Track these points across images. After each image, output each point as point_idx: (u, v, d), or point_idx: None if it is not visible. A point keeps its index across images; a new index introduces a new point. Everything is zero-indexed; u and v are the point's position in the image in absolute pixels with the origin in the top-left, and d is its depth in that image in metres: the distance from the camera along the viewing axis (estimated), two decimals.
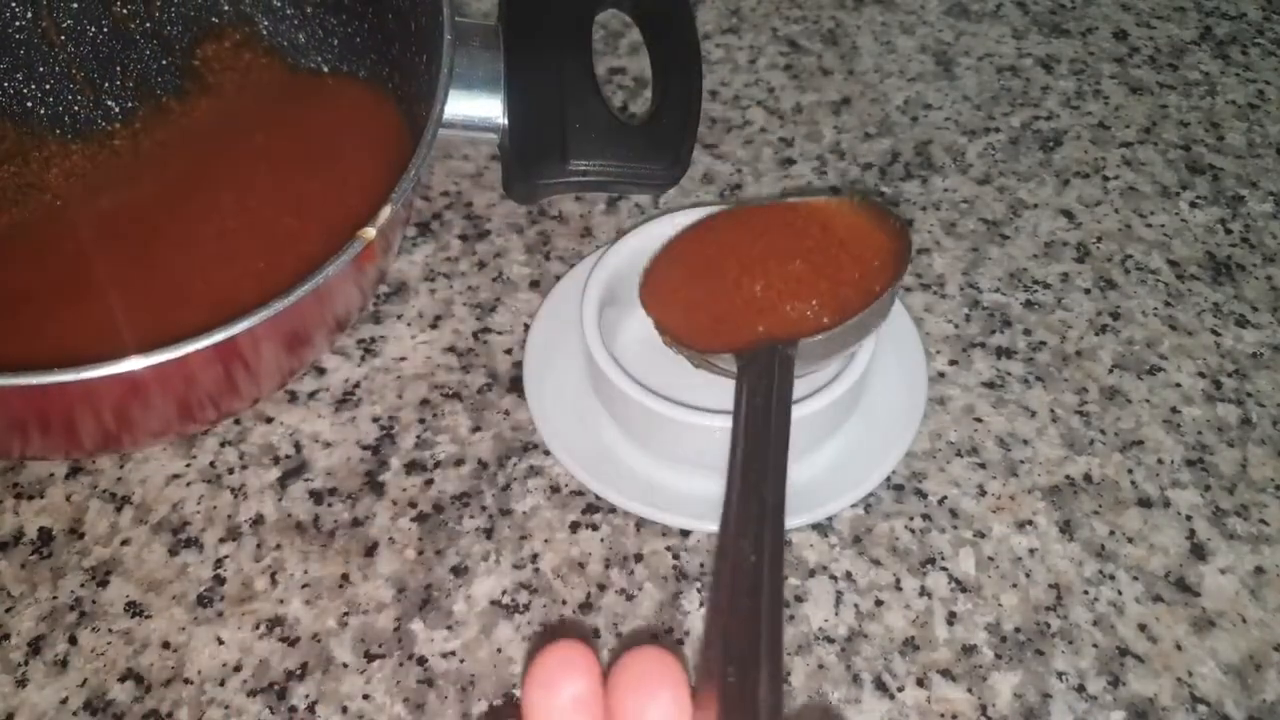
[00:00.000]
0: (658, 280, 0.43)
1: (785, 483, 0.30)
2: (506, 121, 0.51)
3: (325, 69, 0.53)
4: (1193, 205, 0.54)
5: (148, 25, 0.52)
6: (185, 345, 0.36)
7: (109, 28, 0.51)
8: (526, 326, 0.48)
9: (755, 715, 0.22)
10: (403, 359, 0.48)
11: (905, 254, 0.40)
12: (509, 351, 0.48)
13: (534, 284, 0.50)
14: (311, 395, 0.47)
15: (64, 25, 0.50)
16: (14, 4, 0.50)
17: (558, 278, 0.49)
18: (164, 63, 0.52)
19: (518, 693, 0.39)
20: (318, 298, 0.38)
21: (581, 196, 0.54)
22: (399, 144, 0.47)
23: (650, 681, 0.22)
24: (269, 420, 0.46)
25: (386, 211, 0.40)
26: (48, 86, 0.50)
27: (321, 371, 0.47)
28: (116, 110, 0.51)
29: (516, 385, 0.47)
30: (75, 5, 0.50)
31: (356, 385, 0.47)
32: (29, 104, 0.50)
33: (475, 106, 0.50)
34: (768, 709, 0.22)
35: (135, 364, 0.35)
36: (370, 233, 0.39)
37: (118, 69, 0.51)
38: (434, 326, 0.49)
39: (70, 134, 0.51)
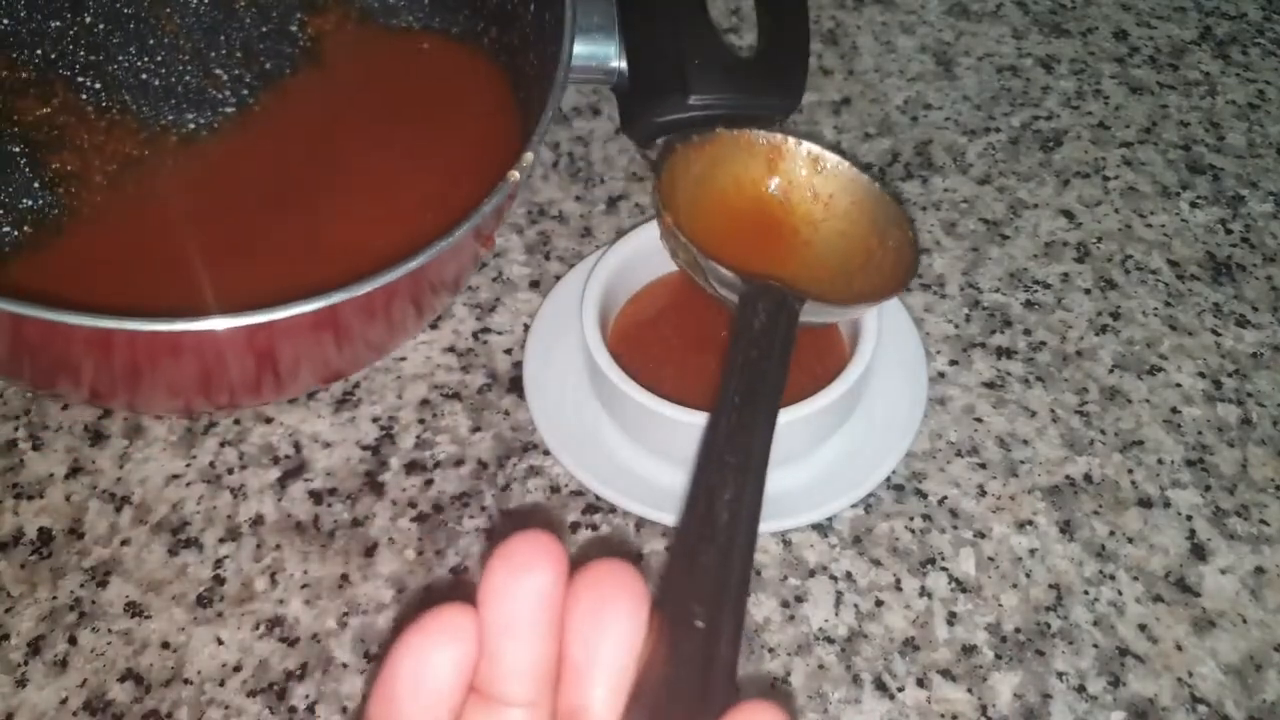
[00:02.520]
0: (681, 194, 0.43)
1: (771, 438, 0.28)
2: (622, 64, 0.52)
3: (416, 27, 0.55)
4: (1193, 205, 0.54)
5: None
6: (368, 282, 0.37)
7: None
8: (526, 326, 0.48)
9: (713, 664, 0.21)
10: (402, 359, 0.48)
11: (914, 260, 0.42)
12: (509, 351, 0.48)
13: (534, 284, 0.50)
14: (311, 395, 0.47)
15: None
16: None
17: (558, 278, 0.49)
18: (263, 30, 0.54)
19: None
20: (456, 250, 0.39)
21: (582, 196, 0.54)
22: (496, 99, 0.48)
23: (611, 594, 0.21)
24: (268, 420, 0.46)
25: (529, 156, 0.41)
26: (159, 58, 0.52)
27: None
28: (225, 79, 0.53)
29: (516, 385, 0.47)
30: None
31: (356, 385, 0.47)
32: (143, 75, 0.52)
33: (592, 51, 0.52)
34: (724, 662, 0.21)
35: (312, 306, 0.37)
36: (515, 175, 0.41)
37: (222, 38, 0.53)
38: (434, 326, 0.49)
39: (184, 103, 0.52)
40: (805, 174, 0.44)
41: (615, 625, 0.21)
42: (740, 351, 0.33)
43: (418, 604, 0.41)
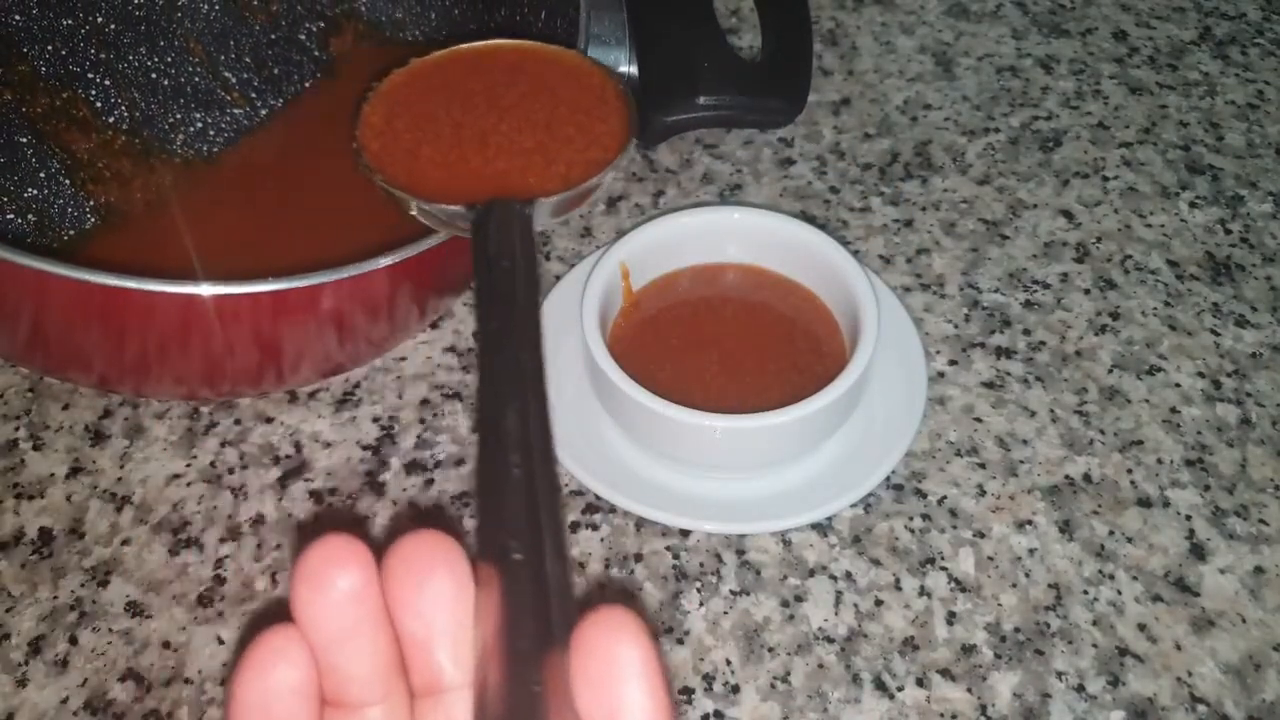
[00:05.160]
0: (376, 124, 0.40)
1: (542, 348, 0.28)
2: (632, 69, 0.54)
3: (423, 41, 0.56)
4: (1192, 205, 0.54)
5: (254, 1, 0.56)
6: (384, 257, 0.39)
7: (220, 4, 0.55)
8: None
9: (545, 589, 0.20)
10: (403, 359, 0.48)
11: (632, 118, 0.39)
12: None
13: None
14: (312, 395, 0.47)
15: (180, 2, 0.54)
16: None
17: (558, 278, 0.49)
18: (273, 37, 0.55)
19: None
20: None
21: None
22: None
23: (426, 563, 0.20)
24: (269, 420, 0.46)
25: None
26: (169, 59, 0.53)
27: None
28: (234, 81, 0.54)
29: None
30: None
31: (357, 385, 0.47)
32: (153, 75, 0.53)
33: (602, 56, 0.53)
34: (556, 582, 0.20)
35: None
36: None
37: (231, 43, 0.55)
38: (434, 326, 0.49)
39: (192, 103, 0.54)
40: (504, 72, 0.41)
41: (440, 590, 0.21)
42: (485, 275, 0.31)
43: None
